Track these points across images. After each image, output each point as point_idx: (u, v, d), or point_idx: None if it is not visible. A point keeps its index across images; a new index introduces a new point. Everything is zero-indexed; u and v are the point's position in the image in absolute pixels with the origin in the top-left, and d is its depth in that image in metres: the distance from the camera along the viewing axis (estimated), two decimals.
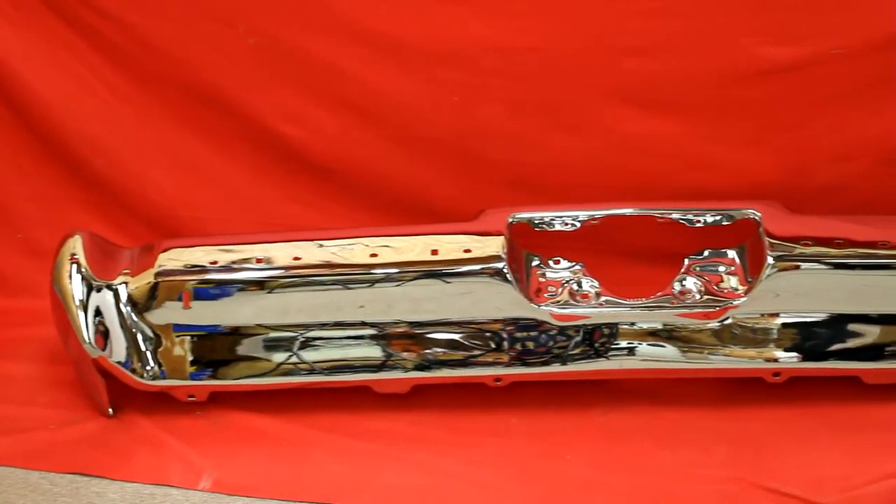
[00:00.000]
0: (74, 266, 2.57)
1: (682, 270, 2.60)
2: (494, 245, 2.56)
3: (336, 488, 2.46)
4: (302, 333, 2.62)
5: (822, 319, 2.58)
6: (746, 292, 2.55)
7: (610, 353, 2.59)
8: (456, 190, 2.84)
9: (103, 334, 2.57)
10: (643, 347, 2.59)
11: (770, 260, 2.52)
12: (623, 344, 2.59)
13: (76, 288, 2.56)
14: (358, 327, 2.61)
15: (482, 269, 2.54)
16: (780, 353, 2.58)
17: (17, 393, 2.72)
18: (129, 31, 2.78)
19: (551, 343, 2.59)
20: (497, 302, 2.56)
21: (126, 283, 2.59)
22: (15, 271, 2.96)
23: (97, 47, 2.81)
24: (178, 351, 2.61)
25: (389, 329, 2.61)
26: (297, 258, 2.59)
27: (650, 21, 2.68)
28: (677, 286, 2.59)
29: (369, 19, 2.72)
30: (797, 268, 2.52)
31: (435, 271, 2.56)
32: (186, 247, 2.64)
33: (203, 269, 2.59)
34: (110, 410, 2.63)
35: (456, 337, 2.61)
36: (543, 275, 2.63)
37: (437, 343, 2.61)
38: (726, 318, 2.56)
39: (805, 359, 2.57)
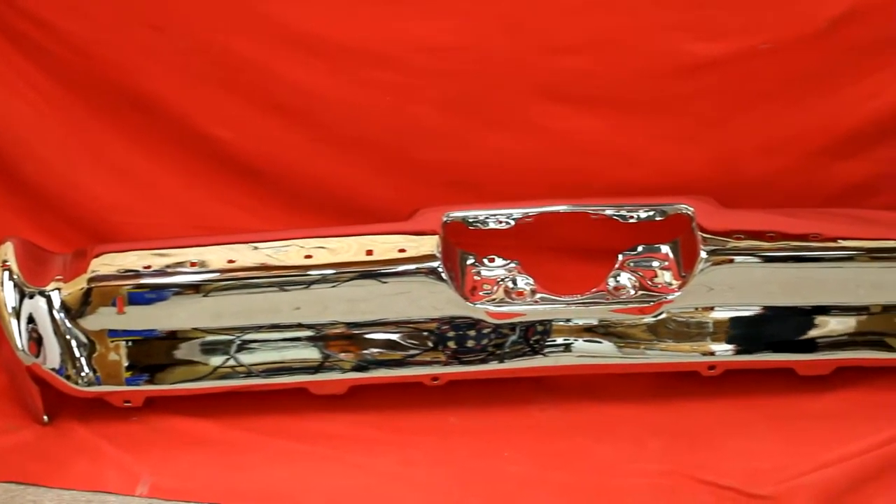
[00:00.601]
0: (6, 273, 2.55)
1: (617, 266, 2.61)
2: (429, 244, 2.56)
3: (274, 491, 2.45)
4: (238, 336, 2.60)
5: (755, 313, 2.60)
6: (680, 287, 2.57)
7: (546, 350, 2.59)
8: (390, 190, 2.84)
9: (37, 341, 2.55)
10: (579, 343, 2.60)
11: (703, 254, 2.53)
12: (559, 340, 2.60)
13: (8, 295, 2.54)
14: (295, 329, 2.60)
15: (417, 268, 2.54)
16: (714, 347, 2.60)
17: None
18: (58, 35, 2.75)
19: (488, 341, 2.59)
20: (433, 301, 2.56)
21: (59, 289, 2.57)
22: None
23: (25, 52, 2.78)
24: (113, 356, 2.58)
25: (326, 330, 2.60)
26: (231, 261, 2.58)
27: (580, 18, 2.69)
28: (612, 282, 2.60)
29: (299, 21, 2.71)
30: (730, 262, 2.54)
31: (370, 272, 2.55)
32: (119, 252, 2.62)
33: (137, 274, 2.57)
34: (45, 418, 2.60)
35: (393, 337, 2.60)
36: (478, 273, 2.63)
37: (374, 343, 2.60)
38: (661, 313, 2.57)
39: (739, 352, 2.59)
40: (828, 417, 2.56)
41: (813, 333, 2.60)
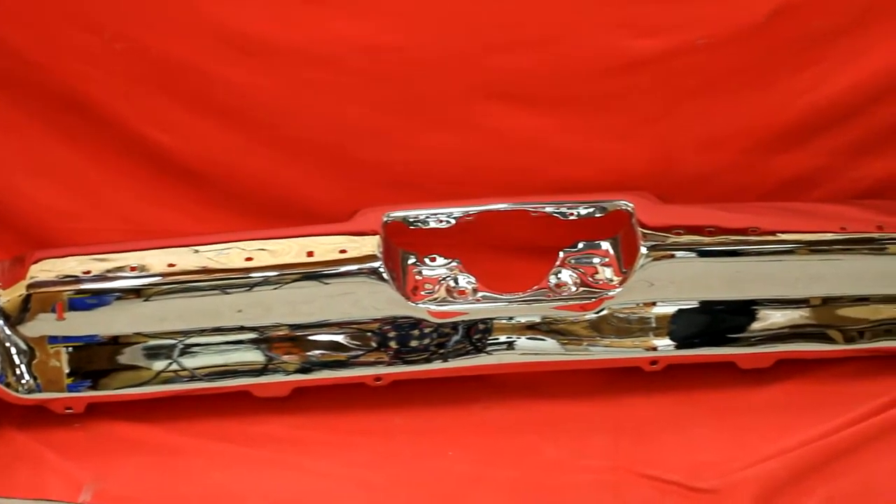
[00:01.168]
0: None
1: (558, 263, 2.61)
2: (370, 245, 2.56)
3: (218, 495, 2.45)
4: (181, 340, 2.59)
5: (696, 307, 2.61)
6: (621, 283, 2.58)
7: (489, 348, 2.60)
8: (330, 191, 2.83)
9: None
10: (522, 341, 2.61)
11: (643, 250, 2.54)
12: (502, 338, 2.60)
13: None
14: (237, 332, 2.59)
15: (358, 269, 2.54)
16: (656, 342, 2.61)
17: None
18: None
19: (430, 340, 2.59)
20: (374, 301, 2.56)
21: None
22: None
23: None
24: (53, 363, 2.57)
25: (269, 332, 2.60)
26: (171, 265, 2.57)
27: (517, 16, 2.69)
28: (553, 279, 2.60)
29: (235, 22, 2.69)
30: (670, 257, 2.55)
31: (311, 273, 2.55)
32: (59, 257, 2.60)
33: (76, 280, 2.55)
34: None
35: (335, 338, 2.60)
36: (420, 273, 2.63)
37: (317, 345, 2.60)
38: (602, 310, 2.58)
39: (681, 346, 2.61)
40: (769, 410, 2.58)
41: (753, 327, 2.62)
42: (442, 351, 2.60)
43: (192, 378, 2.60)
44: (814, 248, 2.59)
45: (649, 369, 2.62)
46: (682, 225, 2.58)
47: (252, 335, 2.60)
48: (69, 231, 2.83)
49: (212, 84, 2.74)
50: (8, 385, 2.54)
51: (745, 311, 2.62)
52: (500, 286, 2.60)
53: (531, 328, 2.61)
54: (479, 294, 2.59)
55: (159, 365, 2.60)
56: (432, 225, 2.65)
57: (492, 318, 2.59)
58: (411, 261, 2.65)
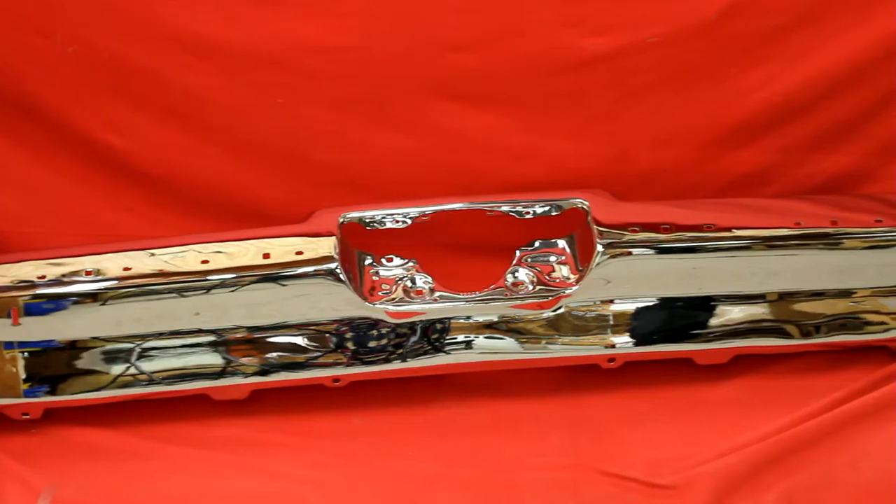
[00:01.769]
0: None
1: (514, 262, 2.62)
2: (326, 246, 2.56)
3: (177, 498, 2.44)
4: (139, 344, 2.59)
5: (653, 304, 2.62)
6: (578, 281, 2.58)
7: (447, 348, 2.60)
8: (285, 192, 2.82)
9: None
10: (480, 340, 2.61)
11: (599, 248, 2.55)
12: (460, 338, 2.61)
13: None
14: (195, 335, 2.59)
15: (315, 270, 2.54)
16: (614, 339, 2.62)
17: None
18: None
19: (388, 341, 2.59)
20: (332, 303, 2.55)
21: None
22: None
23: None
24: (9, 369, 2.56)
25: (227, 335, 2.59)
26: (127, 268, 2.56)
27: (470, 16, 2.69)
28: (510, 278, 2.61)
29: (189, 24, 2.68)
30: (627, 254, 2.56)
31: (268, 275, 2.54)
32: (13, 262, 2.59)
33: (31, 285, 2.54)
34: None
35: (293, 340, 2.60)
36: (377, 273, 2.63)
37: (275, 347, 2.60)
38: (559, 308, 2.59)
39: (638, 343, 2.62)
40: (727, 405, 2.59)
41: (710, 323, 2.63)
42: (400, 351, 2.60)
43: (150, 382, 2.59)
44: (769, 243, 2.60)
45: (607, 367, 2.63)
46: (638, 222, 2.59)
47: (210, 338, 2.60)
48: (23, 236, 2.82)
49: (166, 86, 2.74)
50: None
51: (701, 307, 2.63)
52: (457, 286, 2.60)
53: (489, 327, 2.61)
54: (437, 294, 2.59)
55: (117, 369, 2.59)
56: (389, 225, 2.65)
57: (449, 318, 2.59)
58: (368, 261, 2.65)
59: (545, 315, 2.60)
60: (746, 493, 2.39)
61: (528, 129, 2.78)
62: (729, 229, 2.60)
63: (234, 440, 2.56)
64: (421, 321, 2.59)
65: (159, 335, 2.59)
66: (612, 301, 2.62)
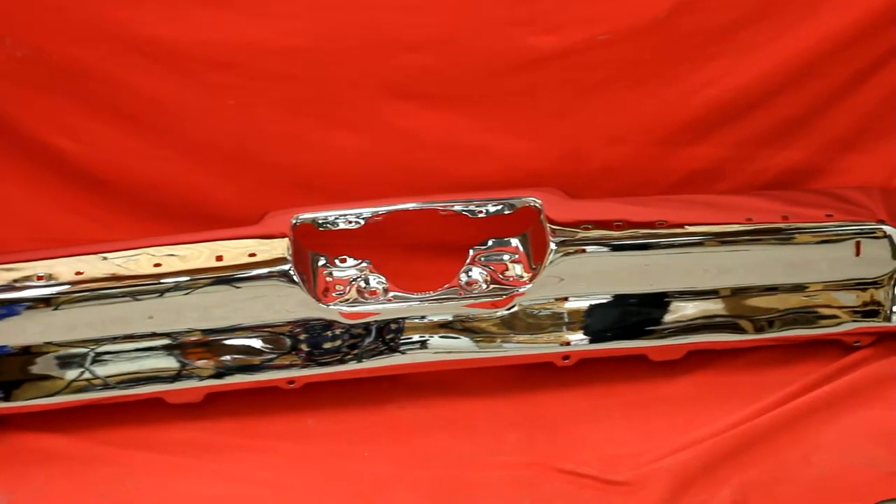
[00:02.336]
0: None
1: (468, 261, 2.62)
2: (279, 248, 2.55)
3: (133, 502, 2.42)
4: (93, 349, 2.57)
5: (607, 301, 2.62)
6: (531, 279, 2.58)
7: (402, 348, 2.60)
8: (237, 194, 2.82)
9: None
10: (435, 340, 2.61)
11: (553, 246, 2.55)
12: (415, 338, 2.60)
13: None
14: (149, 339, 2.58)
15: (269, 272, 2.53)
16: (568, 337, 2.62)
17: None
18: None
19: (342, 342, 2.59)
20: (285, 304, 2.55)
21: None
22: None
23: None
24: None
25: (181, 338, 2.58)
26: (80, 272, 2.54)
27: (421, 16, 2.69)
28: (464, 277, 2.60)
29: (139, 27, 2.67)
30: (580, 252, 2.56)
31: (222, 277, 2.53)
32: None
33: None
34: None
35: (248, 342, 2.59)
36: (330, 274, 2.62)
37: (230, 349, 2.59)
38: (513, 306, 2.59)
39: (592, 340, 2.62)
40: (681, 401, 2.60)
41: (664, 319, 2.64)
42: (355, 352, 2.59)
43: (105, 386, 2.57)
44: (721, 239, 2.61)
45: (562, 364, 2.63)
46: (591, 220, 2.59)
47: (164, 341, 2.58)
48: None
49: (116, 89, 2.73)
50: None
51: (655, 303, 2.63)
52: (411, 286, 2.59)
53: (443, 327, 2.61)
54: (391, 294, 2.59)
55: (71, 374, 2.57)
56: (342, 226, 2.64)
57: (404, 318, 2.59)
58: (321, 262, 2.64)
59: (499, 314, 2.60)
60: (701, 489, 2.39)
61: (480, 129, 2.79)
62: (681, 226, 2.61)
63: (189, 443, 2.55)
64: (375, 321, 2.58)
65: (113, 339, 2.57)
66: (565, 299, 2.62)
